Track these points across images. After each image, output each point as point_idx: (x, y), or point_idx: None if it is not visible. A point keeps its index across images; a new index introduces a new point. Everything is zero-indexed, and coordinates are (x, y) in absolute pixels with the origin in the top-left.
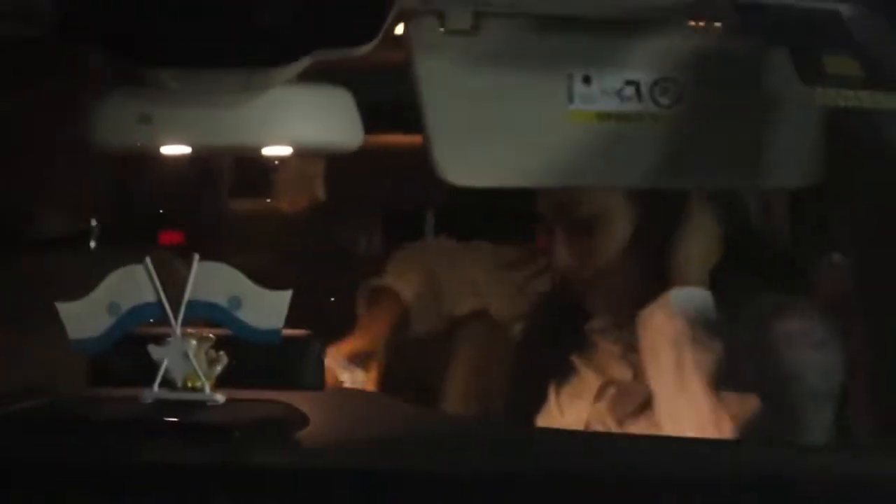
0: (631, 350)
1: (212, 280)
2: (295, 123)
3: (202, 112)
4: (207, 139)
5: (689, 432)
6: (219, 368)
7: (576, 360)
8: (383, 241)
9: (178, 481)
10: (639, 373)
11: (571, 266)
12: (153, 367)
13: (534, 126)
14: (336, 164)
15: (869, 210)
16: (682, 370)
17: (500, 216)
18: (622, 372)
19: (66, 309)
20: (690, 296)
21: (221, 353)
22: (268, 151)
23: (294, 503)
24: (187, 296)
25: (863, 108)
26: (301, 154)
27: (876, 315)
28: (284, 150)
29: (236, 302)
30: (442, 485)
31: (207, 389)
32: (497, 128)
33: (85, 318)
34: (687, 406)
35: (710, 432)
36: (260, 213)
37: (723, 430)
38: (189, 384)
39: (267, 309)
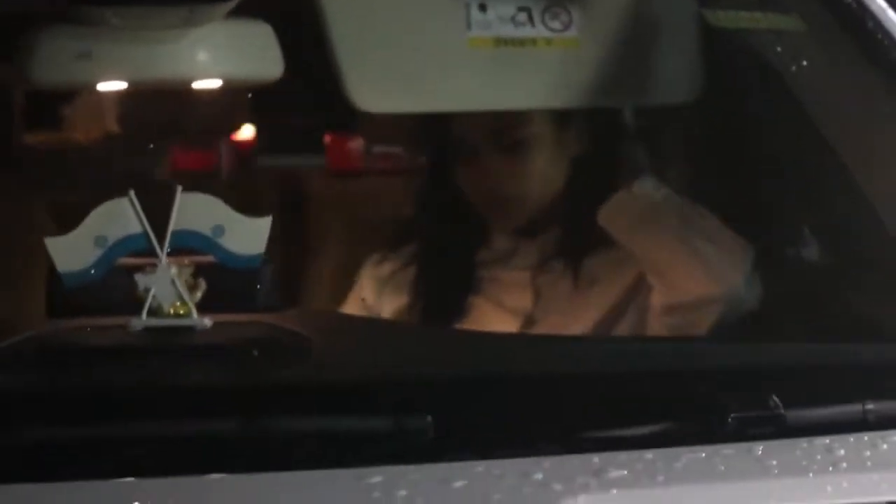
0: (541, 272)
1: (194, 209)
2: (226, 58)
3: (140, 48)
4: (144, 75)
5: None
6: (199, 295)
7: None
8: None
9: (212, 403)
10: (541, 297)
11: (494, 189)
12: (133, 296)
13: (436, 53)
14: (131, 98)
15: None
16: (684, 229)
17: None
18: (522, 300)
19: (53, 243)
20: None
21: (200, 279)
22: (198, 85)
23: (336, 414)
24: (171, 226)
25: (759, 29)
26: (228, 86)
27: None
28: (215, 83)
29: (219, 230)
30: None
31: (195, 315)
32: (403, 56)
33: (73, 251)
34: (701, 260)
35: (732, 270)
36: (55, 145)
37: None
38: (174, 311)
39: (248, 235)
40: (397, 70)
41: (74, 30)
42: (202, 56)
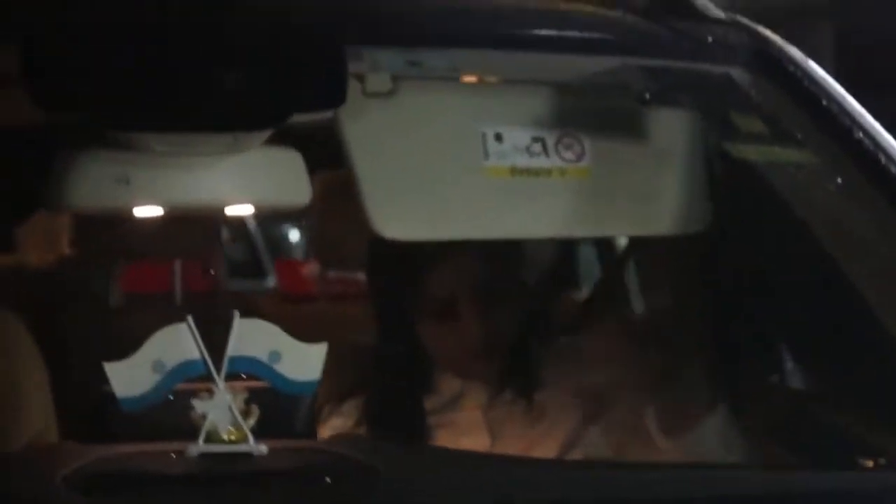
0: (491, 409)
1: (251, 335)
2: (258, 184)
3: (177, 174)
4: (180, 200)
5: None
6: (252, 421)
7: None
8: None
9: None
10: (497, 435)
11: (480, 341)
12: (188, 421)
13: (456, 181)
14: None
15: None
16: None
17: None
18: (479, 440)
19: (112, 369)
20: None
21: (253, 405)
22: (231, 210)
23: None
24: (228, 351)
25: (772, 162)
26: (259, 211)
27: None
28: (247, 209)
29: (276, 356)
30: None
31: (251, 440)
32: (423, 185)
33: (131, 375)
34: None
35: None
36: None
37: None
38: (228, 437)
39: (304, 361)
40: (419, 198)
41: (111, 154)
42: (238, 182)
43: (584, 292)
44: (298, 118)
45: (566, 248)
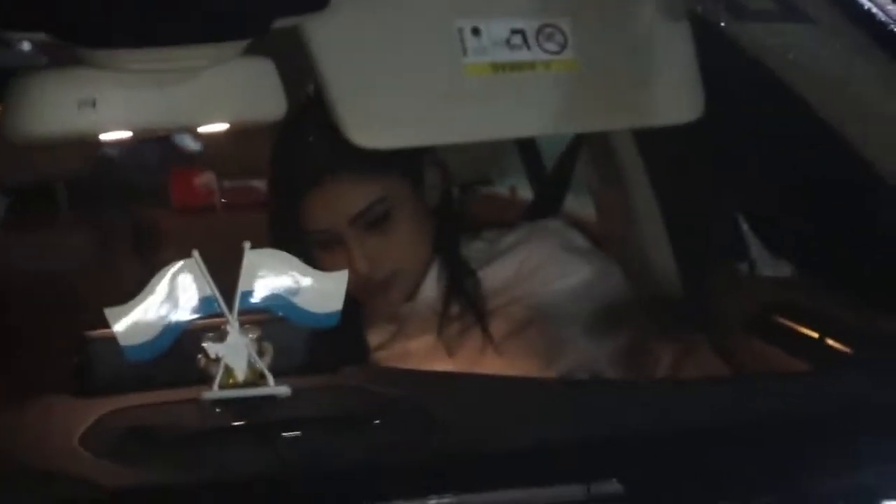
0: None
1: (265, 267)
2: (235, 99)
3: (146, 94)
4: (150, 122)
5: None
6: (268, 359)
7: None
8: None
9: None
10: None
11: (367, 273)
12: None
13: (433, 81)
14: None
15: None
16: None
17: None
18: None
19: (113, 314)
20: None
21: (266, 342)
22: (205, 129)
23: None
24: (241, 287)
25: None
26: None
27: None
28: (221, 127)
29: (293, 287)
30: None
31: (271, 381)
32: (398, 87)
33: (135, 321)
34: None
35: None
36: None
37: None
38: (245, 379)
39: (324, 292)
40: (394, 102)
41: (74, 75)
42: (215, 99)
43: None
44: (280, 23)
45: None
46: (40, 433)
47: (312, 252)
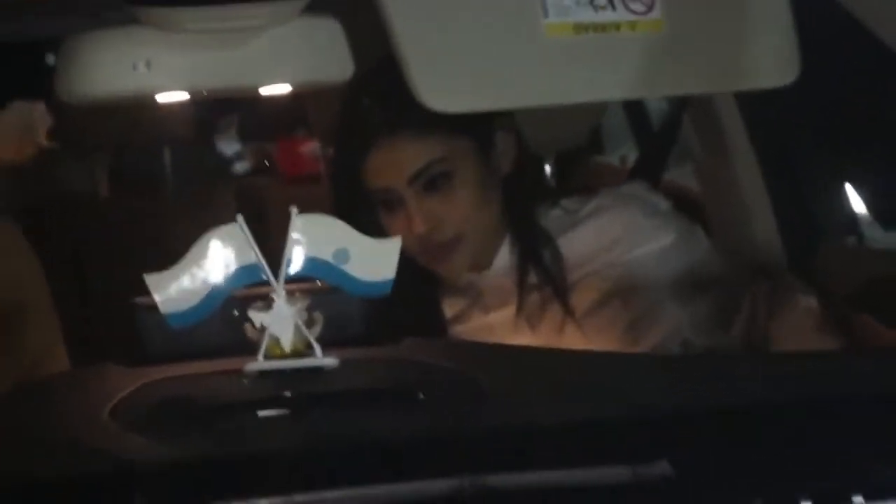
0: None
1: (314, 234)
2: (297, 60)
3: (202, 55)
4: (207, 83)
5: None
6: (318, 329)
7: None
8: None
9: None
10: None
11: (426, 234)
12: (246, 335)
13: (512, 43)
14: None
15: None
16: None
17: None
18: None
19: (154, 280)
20: None
21: (316, 312)
22: (266, 91)
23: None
24: (288, 253)
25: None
26: (298, 90)
27: None
28: (283, 89)
29: (343, 255)
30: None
31: (319, 353)
32: (474, 49)
33: (177, 288)
34: None
35: None
36: None
37: None
38: (293, 350)
39: (376, 259)
40: (470, 64)
41: (128, 34)
42: (275, 59)
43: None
44: None
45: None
46: (78, 403)
47: (375, 212)
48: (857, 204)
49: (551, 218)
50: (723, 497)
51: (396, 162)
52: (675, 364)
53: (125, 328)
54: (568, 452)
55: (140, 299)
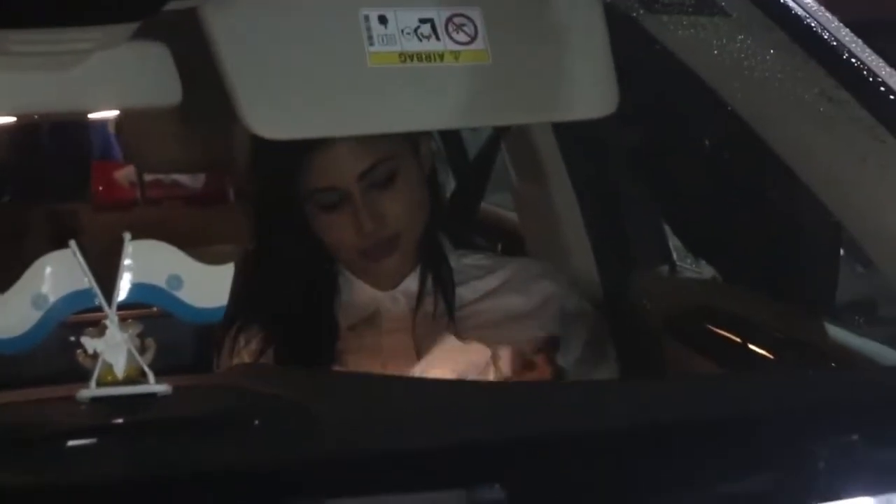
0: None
1: (146, 259)
2: (127, 84)
3: (30, 78)
4: (34, 107)
5: None
6: (150, 356)
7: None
8: None
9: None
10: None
11: (372, 231)
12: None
13: (338, 71)
14: None
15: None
16: None
17: None
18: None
19: None
20: None
21: (148, 338)
22: (95, 115)
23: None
24: (121, 279)
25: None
26: (125, 114)
27: None
28: (111, 114)
29: (176, 281)
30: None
31: (152, 379)
32: (301, 77)
33: (8, 313)
34: None
35: None
36: None
37: None
38: (125, 377)
39: (209, 286)
40: (297, 92)
41: None
42: (106, 84)
43: None
44: (173, 6)
45: None
46: None
47: (309, 212)
48: (670, 233)
49: (462, 264)
50: None
51: (343, 161)
52: (509, 390)
53: None
54: (402, 478)
55: None
